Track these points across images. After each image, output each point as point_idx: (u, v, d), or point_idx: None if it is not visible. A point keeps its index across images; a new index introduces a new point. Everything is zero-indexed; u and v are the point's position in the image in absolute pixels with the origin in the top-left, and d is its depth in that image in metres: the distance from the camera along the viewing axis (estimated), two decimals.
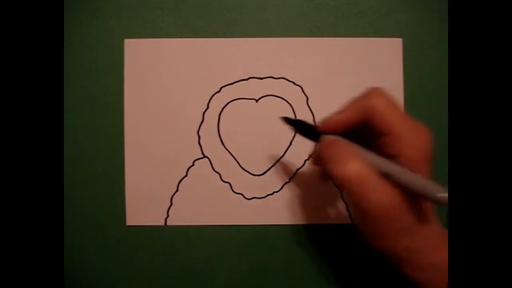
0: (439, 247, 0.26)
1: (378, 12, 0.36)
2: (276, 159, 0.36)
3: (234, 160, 0.36)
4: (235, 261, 0.36)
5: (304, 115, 0.36)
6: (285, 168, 0.36)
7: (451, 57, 0.27)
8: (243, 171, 0.36)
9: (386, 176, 0.25)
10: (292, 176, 0.36)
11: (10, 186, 0.25)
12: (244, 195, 0.36)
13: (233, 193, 0.36)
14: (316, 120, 0.36)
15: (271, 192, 0.36)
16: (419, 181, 0.24)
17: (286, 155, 0.36)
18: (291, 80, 0.36)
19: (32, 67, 0.27)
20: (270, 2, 0.36)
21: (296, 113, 0.36)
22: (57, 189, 0.27)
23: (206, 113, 0.36)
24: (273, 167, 0.36)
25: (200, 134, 0.36)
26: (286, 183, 0.36)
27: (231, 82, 0.36)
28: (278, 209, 0.36)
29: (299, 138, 0.35)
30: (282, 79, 0.36)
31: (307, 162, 0.36)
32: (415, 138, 0.25)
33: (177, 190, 0.36)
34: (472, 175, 0.25)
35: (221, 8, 0.36)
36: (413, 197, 0.25)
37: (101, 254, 0.36)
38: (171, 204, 0.36)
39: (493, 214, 0.24)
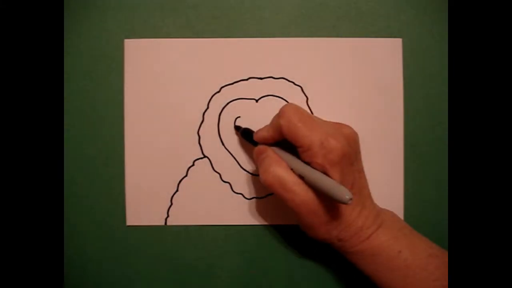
0: (367, 237, 0.30)
1: (378, 12, 0.36)
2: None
3: (234, 160, 0.36)
4: (235, 261, 0.36)
5: None
6: None
7: (451, 57, 0.27)
8: (243, 171, 0.36)
9: (302, 178, 0.29)
10: None
11: (11, 186, 0.25)
12: (244, 195, 0.36)
13: (233, 193, 0.36)
14: None
15: (271, 192, 0.36)
16: (327, 183, 0.27)
17: None
18: (291, 80, 0.36)
19: (32, 68, 0.27)
20: (270, 2, 0.36)
21: None
22: (57, 189, 0.27)
23: (206, 113, 0.36)
24: None
25: (200, 134, 0.36)
26: None
27: (231, 82, 0.36)
28: (278, 209, 0.36)
29: None
30: (282, 79, 0.36)
31: None
32: (321, 148, 0.28)
33: (177, 190, 0.36)
34: (472, 175, 0.25)
35: (221, 8, 0.36)
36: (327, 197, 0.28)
37: (101, 254, 0.36)
38: (171, 204, 0.36)
39: (493, 214, 0.24)
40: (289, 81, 0.36)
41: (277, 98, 0.36)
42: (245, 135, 0.35)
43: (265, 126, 0.32)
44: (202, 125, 0.36)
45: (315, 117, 0.31)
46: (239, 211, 0.36)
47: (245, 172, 0.36)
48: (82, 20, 0.36)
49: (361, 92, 0.36)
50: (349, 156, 0.29)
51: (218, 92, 0.36)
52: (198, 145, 0.36)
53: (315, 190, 0.28)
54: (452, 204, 0.25)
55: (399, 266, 0.29)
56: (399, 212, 0.36)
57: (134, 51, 0.36)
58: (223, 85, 0.36)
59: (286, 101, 0.36)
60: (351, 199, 0.26)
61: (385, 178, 0.36)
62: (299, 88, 0.36)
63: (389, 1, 0.36)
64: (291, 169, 0.29)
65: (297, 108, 0.30)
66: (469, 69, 0.26)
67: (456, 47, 0.26)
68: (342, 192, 0.26)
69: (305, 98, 0.36)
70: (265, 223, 0.36)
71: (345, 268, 0.36)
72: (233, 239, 0.36)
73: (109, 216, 0.36)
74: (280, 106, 0.34)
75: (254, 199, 0.36)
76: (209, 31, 0.36)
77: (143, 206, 0.36)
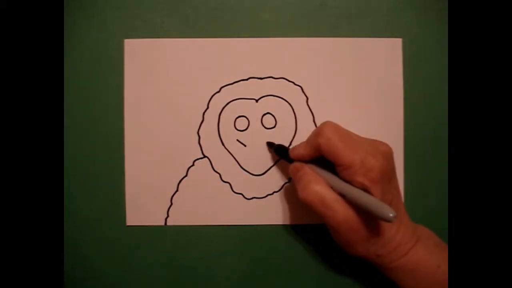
0: (406, 253, 0.30)
1: (378, 12, 0.36)
2: (276, 159, 0.36)
3: (234, 160, 0.36)
4: (235, 261, 0.36)
5: (304, 115, 0.36)
6: (285, 168, 0.36)
7: (451, 57, 0.27)
8: (243, 171, 0.36)
9: (343, 196, 0.29)
10: None
11: (10, 186, 0.25)
12: (244, 195, 0.36)
13: (233, 193, 0.36)
14: (316, 120, 0.36)
15: (271, 192, 0.36)
16: (370, 202, 0.27)
17: None
18: (291, 80, 0.36)
19: (32, 67, 0.27)
20: (270, 2, 0.36)
21: (296, 113, 0.36)
22: (57, 189, 0.27)
23: (206, 113, 0.36)
24: (273, 167, 0.36)
25: (200, 134, 0.36)
26: (286, 183, 0.36)
27: (231, 82, 0.36)
28: (278, 209, 0.36)
29: (299, 138, 0.36)
30: (282, 79, 0.36)
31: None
32: (362, 167, 0.28)
33: (177, 190, 0.36)
34: (472, 176, 0.25)
35: (221, 8, 0.36)
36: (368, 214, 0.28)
37: (101, 254, 0.36)
38: (171, 204, 0.36)
39: (494, 214, 0.24)
40: (289, 81, 0.36)
41: (277, 98, 0.36)
42: (279, 152, 0.35)
43: (302, 143, 0.32)
44: (202, 125, 0.36)
45: (353, 133, 0.31)
46: (239, 211, 0.36)
47: (245, 172, 0.36)
48: (82, 20, 0.36)
49: (361, 92, 0.36)
50: (388, 173, 0.29)
51: (218, 92, 0.36)
52: (198, 145, 0.36)
53: (356, 207, 0.28)
54: (452, 204, 0.26)
55: (439, 281, 0.29)
56: None
57: (134, 51, 0.36)
58: (223, 85, 0.36)
59: (286, 101, 0.36)
60: (395, 216, 0.26)
61: None
62: (299, 88, 0.36)
63: (389, 1, 0.36)
64: (330, 187, 0.29)
65: (335, 127, 0.30)
66: (469, 69, 0.26)
67: (456, 47, 0.26)
68: (387, 210, 0.26)
69: (305, 98, 0.36)
70: (265, 223, 0.36)
71: (346, 268, 0.36)
72: (233, 239, 0.36)
73: (109, 216, 0.36)
74: (280, 106, 0.34)
75: (254, 199, 0.36)
76: (209, 31, 0.36)
77: (143, 206, 0.36)
